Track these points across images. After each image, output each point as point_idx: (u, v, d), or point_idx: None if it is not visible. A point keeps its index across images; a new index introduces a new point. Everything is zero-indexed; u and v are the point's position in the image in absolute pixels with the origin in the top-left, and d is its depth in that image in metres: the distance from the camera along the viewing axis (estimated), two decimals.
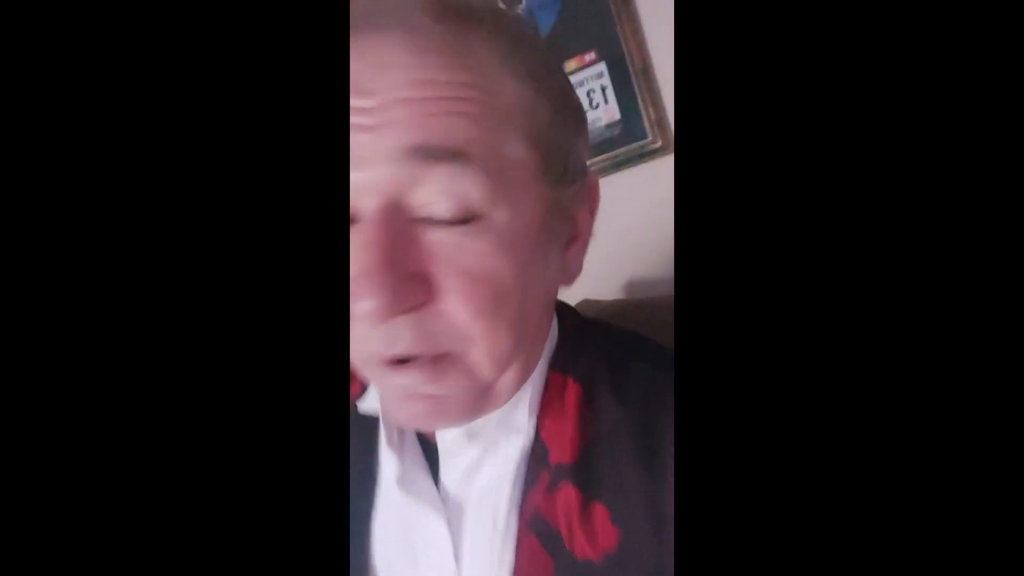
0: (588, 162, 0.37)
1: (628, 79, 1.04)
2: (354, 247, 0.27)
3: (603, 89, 1.06)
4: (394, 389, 0.32)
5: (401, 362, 0.30)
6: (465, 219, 0.28)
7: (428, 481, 0.37)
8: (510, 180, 0.29)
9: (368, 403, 0.41)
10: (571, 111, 0.33)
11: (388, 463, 0.39)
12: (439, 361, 0.30)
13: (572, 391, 0.36)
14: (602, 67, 1.06)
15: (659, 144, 1.02)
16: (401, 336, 0.28)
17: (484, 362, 0.31)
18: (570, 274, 0.36)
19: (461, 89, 0.27)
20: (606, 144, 1.06)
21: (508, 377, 0.34)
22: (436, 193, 0.27)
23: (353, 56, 0.27)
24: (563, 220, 0.34)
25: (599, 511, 0.33)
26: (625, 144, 1.05)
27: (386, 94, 0.26)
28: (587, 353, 0.38)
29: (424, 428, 0.35)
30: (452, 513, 0.36)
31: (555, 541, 0.33)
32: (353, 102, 0.26)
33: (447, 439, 0.37)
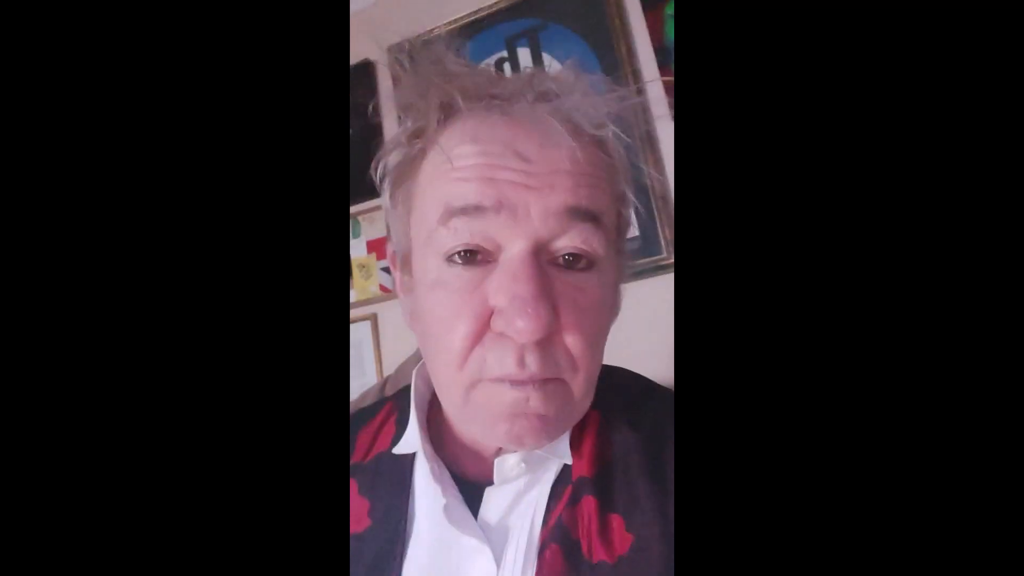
0: None
1: (649, 202, 1.18)
2: (504, 278, 0.33)
3: None
4: (505, 407, 0.34)
5: (515, 382, 0.34)
6: (586, 267, 0.35)
7: (470, 514, 0.39)
8: (608, 238, 0.36)
9: (406, 445, 0.43)
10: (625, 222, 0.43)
11: (425, 499, 0.41)
12: (549, 383, 0.34)
13: (593, 418, 0.41)
14: None
15: (672, 260, 1.19)
16: (532, 358, 0.33)
17: (582, 387, 0.36)
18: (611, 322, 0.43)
19: (599, 171, 0.36)
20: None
21: (582, 406, 0.38)
22: (574, 244, 0.34)
23: (513, 125, 0.35)
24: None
25: (615, 520, 0.37)
26: (643, 257, 1.20)
27: (550, 165, 0.34)
28: (608, 389, 0.42)
29: (523, 445, 0.36)
30: (494, 543, 0.38)
31: (574, 549, 0.36)
32: (513, 163, 0.34)
33: (507, 465, 0.39)
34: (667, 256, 1.19)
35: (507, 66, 1.31)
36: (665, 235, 1.19)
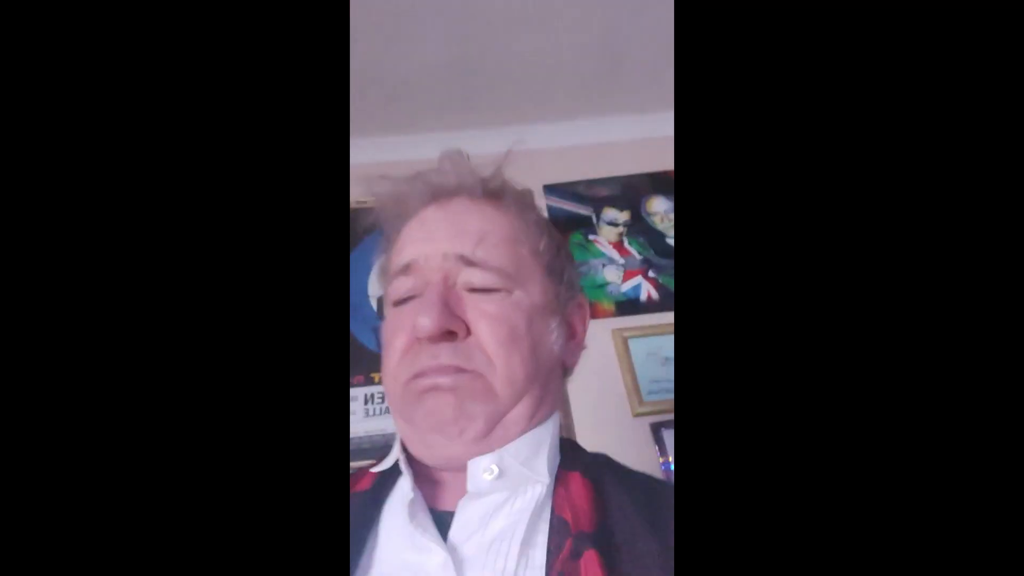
0: None
1: None
2: (420, 301, 0.45)
3: None
4: (423, 391, 0.43)
5: (430, 371, 0.43)
6: (490, 291, 0.45)
7: (432, 524, 0.42)
8: (522, 274, 0.47)
9: (388, 460, 0.48)
10: (563, 251, 0.54)
11: (392, 519, 0.44)
12: (465, 373, 0.43)
13: (579, 479, 0.43)
14: None
15: None
16: (443, 353, 0.43)
17: (503, 384, 0.43)
18: (571, 359, 0.52)
19: (495, 229, 0.47)
20: None
21: (519, 411, 0.44)
22: (474, 279, 0.45)
23: (433, 208, 0.49)
24: (562, 317, 0.50)
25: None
26: None
27: (453, 232, 0.47)
28: (591, 462, 0.47)
29: (445, 427, 0.42)
30: (458, 560, 0.39)
31: None
32: (422, 226, 0.48)
33: (478, 470, 0.42)
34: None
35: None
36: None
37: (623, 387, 1.28)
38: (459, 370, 0.43)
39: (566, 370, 0.52)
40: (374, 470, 0.49)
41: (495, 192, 0.51)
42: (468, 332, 0.44)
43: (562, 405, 1.22)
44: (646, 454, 1.22)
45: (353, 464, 0.97)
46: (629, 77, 1.48)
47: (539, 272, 0.49)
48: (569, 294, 0.52)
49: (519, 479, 0.43)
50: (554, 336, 0.48)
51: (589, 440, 1.21)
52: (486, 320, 0.44)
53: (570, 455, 0.48)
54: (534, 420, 0.45)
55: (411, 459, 0.46)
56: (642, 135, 1.59)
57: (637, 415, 1.26)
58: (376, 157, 1.49)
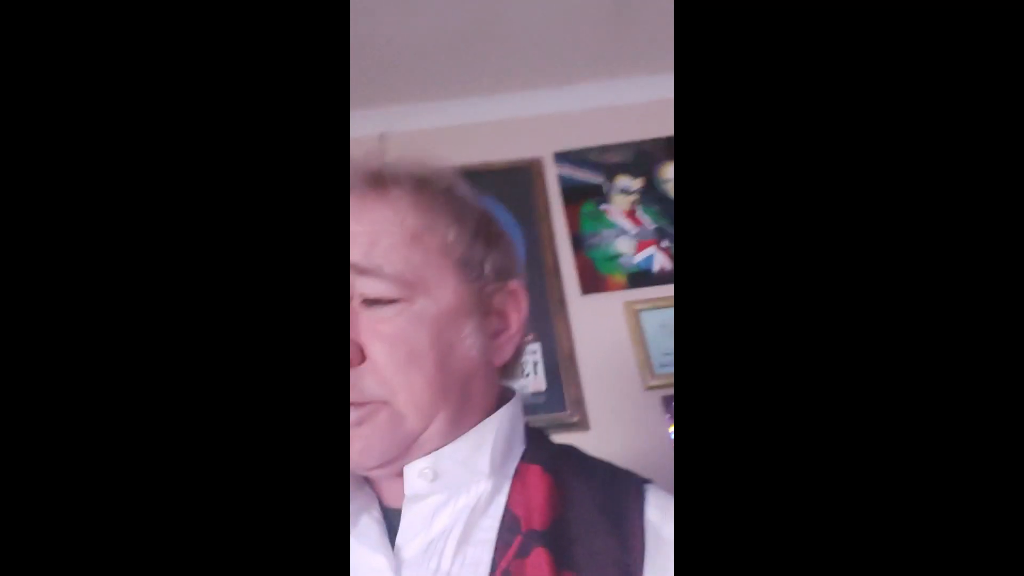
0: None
1: (555, 361, 1.28)
2: None
3: (534, 364, 1.29)
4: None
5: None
6: (388, 303, 0.41)
7: (378, 529, 0.42)
8: (424, 279, 0.42)
9: None
10: (484, 234, 0.47)
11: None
12: (372, 405, 0.40)
13: (538, 473, 0.43)
14: (537, 347, 1.29)
15: (575, 418, 1.25)
16: (352, 383, 0.39)
17: (407, 408, 0.40)
18: (501, 357, 0.47)
19: (389, 228, 0.43)
20: (531, 408, 1.25)
21: (435, 429, 0.41)
22: (368, 289, 0.41)
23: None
24: (487, 311, 0.46)
25: None
26: (547, 412, 1.26)
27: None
28: (556, 453, 0.46)
29: (357, 464, 0.41)
30: (399, 562, 0.40)
31: None
32: None
33: (413, 474, 0.41)
34: (571, 414, 1.25)
35: None
36: (570, 394, 1.26)
37: (634, 361, 1.28)
38: (357, 405, 0.40)
39: (505, 367, 0.49)
40: None
41: (383, 183, 0.45)
42: (362, 357, 0.40)
43: (574, 381, 1.24)
44: (657, 427, 1.23)
45: None
46: (640, 36, 1.41)
47: (449, 269, 0.44)
48: (496, 284, 0.47)
49: (458, 479, 0.42)
50: (469, 341, 0.44)
51: (600, 414, 1.23)
52: (381, 343, 0.40)
53: (535, 447, 0.47)
54: (459, 429, 0.43)
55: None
56: (656, 97, 1.53)
57: (649, 388, 1.26)
58: (379, 128, 1.47)
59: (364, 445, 0.40)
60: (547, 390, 1.27)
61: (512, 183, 1.48)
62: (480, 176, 1.50)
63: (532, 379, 1.27)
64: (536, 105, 1.55)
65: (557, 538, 0.39)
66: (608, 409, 1.26)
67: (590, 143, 1.52)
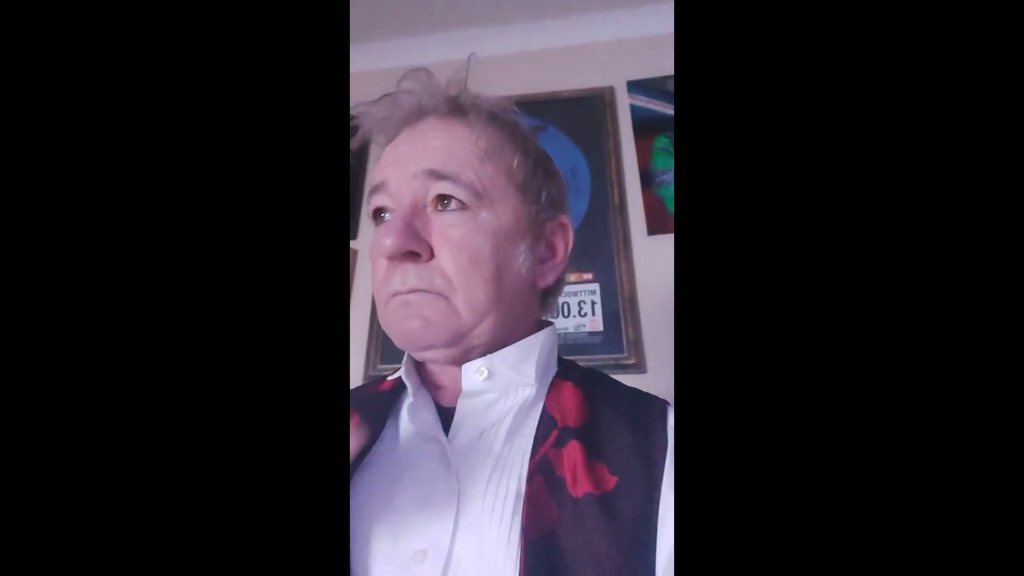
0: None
1: (615, 301, 1.24)
2: (386, 222, 0.47)
3: (592, 304, 1.25)
4: (397, 311, 0.46)
5: (400, 293, 0.46)
6: (457, 208, 0.46)
7: (433, 410, 0.49)
8: (490, 194, 0.48)
9: (400, 371, 0.53)
10: (543, 168, 0.53)
11: (401, 419, 0.50)
12: (428, 295, 0.45)
13: (570, 388, 0.49)
14: (596, 287, 1.25)
15: (632, 361, 1.23)
16: (410, 276, 0.45)
17: (463, 306, 0.46)
18: (544, 281, 0.53)
19: (463, 145, 0.48)
20: (587, 348, 1.24)
21: (484, 328, 0.47)
22: (443, 189, 0.46)
23: (405, 132, 0.50)
24: (538, 236, 0.51)
25: (600, 466, 0.43)
26: (603, 353, 1.24)
27: (420, 147, 0.48)
28: (586, 374, 0.53)
29: (414, 343, 0.47)
30: (453, 449, 0.45)
31: (559, 485, 0.42)
32: (399, 152, 0.49)
33: (471, 371, 0.48)
34: (627, 356, 1.23)
35: None
36: (628, 335, 1.23)
37: None
38: (423, 291, 0.45)
39: (546, 290, 0.54)
40: (390, 378, 0.55)
41: (462, 108, 0.51)
42: (432, 254, 0.46)
43: (633, 323, 1.21)
44: None
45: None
46: None
47: (510, 191, 0.49)
48: (548, 213, 0.52)
49: (508, 381, 0.48)
50: (522, 258, 0.49)
51: (657, 357, 1.20)
52: (449, 245, 0.46)
53: (567, 369, 0.53)
54: (504, 335, 0.49)
55: (419, 365, 0.53)
56: None
57: None
58: (382, 63, 1.41)
59: (421, 324, 0.45)
60: (604, 331, 1.24)
61: (581, 113, 1.41)
62: (547, 104, 1.43)
63: (589, 319, 1.24)
64: (610, 29, 1.44)
65: (589, 434, 0.45)
66: (666, 353, 1.22)
67: (667, 71, 1.42)
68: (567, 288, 1.27)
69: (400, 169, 0.48)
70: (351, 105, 0.47)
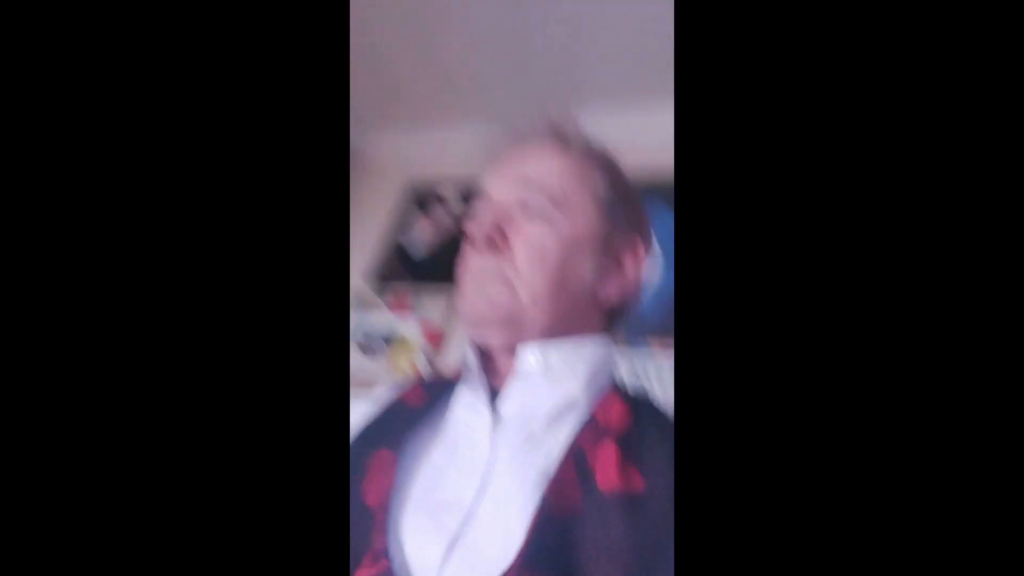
0: None
1: None
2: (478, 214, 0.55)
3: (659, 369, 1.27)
4: (471, 291, 0.54)
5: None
6: (541, 223, 0.53)
7: (484, 388, 0.52)
8: (570, 204, 0.54)
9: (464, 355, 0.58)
10: (628, 199, 0.59)
11: (458, 395, 0.55)
12: (500, 281, 0.52)
13: (618, 400, 0.51)
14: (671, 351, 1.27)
15: None
16: (487, 264, 0.52)
17: (524, 292, 0.51)
18: (606, 293, 0.56)
19: (556, 164, 0.56)
20: None
21: (538, 316, 0.52)
22: (528, 194, 0.54)
23: (512, 150, 0.58)
24: (609, 252, 0.56)
25: (632, 469, 0.44)
26: None
27: (520, 157, 0.57)
28: (636, 394, 0.54)
29: (475, 320, 0.53)
30: (496, 421, 0.50)
31: (588, 476, 0.44)
32: (499, 161, 0.58)
33: (525, 353, 0.52)
34: None
35: None
36: None
37: None
38: (494, 273, 0.52)
39: (612, 309, 0.58)
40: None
41: (564, 138, 0.59)
42: (508, 247, 0.53)
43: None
44: None
45: None
46: None
47: (591, 208, 0.56)
48: (626, 236, 0.58)
49: (559, 373, 0.52)
50: (587, 266, 0.54)
51: None
52: (524, 242, 0.53)
53: (619, 387, 0.55)
54: (559, 330, 0.53)
55: (483, 356, 0.57)
56: None
57: None
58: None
59: (484, 304, 0.52)
60: None
61: None
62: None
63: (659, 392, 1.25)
64: None
65: (627, 440, 0.47)
66: None
67: None
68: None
69: (499, 177, 0.57)
70: None
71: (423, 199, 1.86)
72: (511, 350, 0.53)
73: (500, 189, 0.56)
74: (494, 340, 0.54)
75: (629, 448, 0.46)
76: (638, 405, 0.52)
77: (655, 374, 1.26)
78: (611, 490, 0.43)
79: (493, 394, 0.53)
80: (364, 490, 0.47)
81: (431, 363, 1.50)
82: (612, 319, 0.60)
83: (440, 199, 1.82)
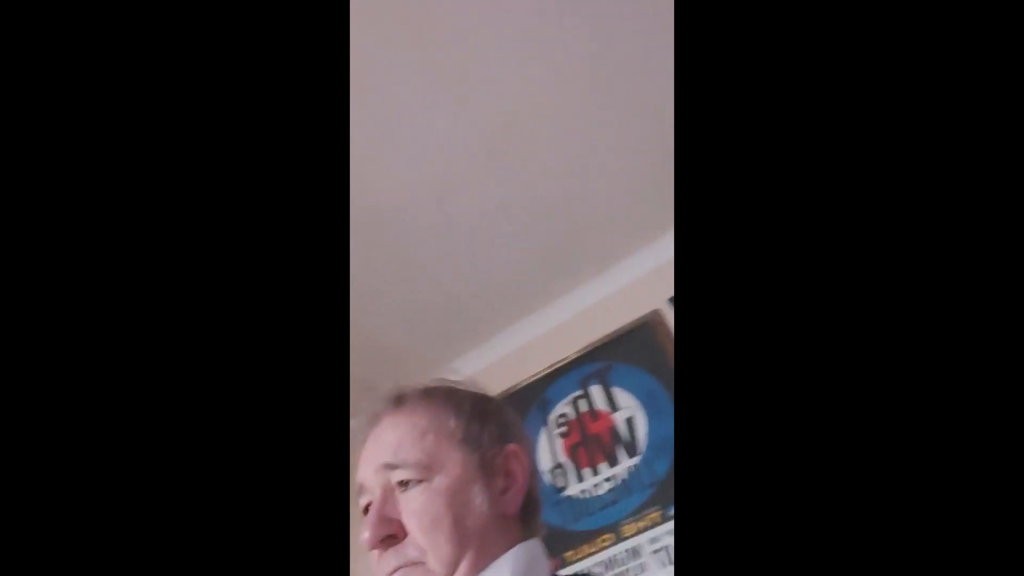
0: None
1: None
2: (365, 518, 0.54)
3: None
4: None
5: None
6: (414, 486, 0.54)
7: None
8: (437, 460, 0.55)
9: None
10: (479, 414, 0.60)
11: None
12: (410, 567, 0.52)
13: None
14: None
15: None
16: (390, 559, 0.53)
17: (436, 564, 0.51)
18: (511, 508, 0.57)
19: (405, 431, 0.57)
20: None
21: (456, 568, 0.51)
22: (398, 476, 0.55)
23: (366, 444, 0.59)
24: (492, 473, 0.57)
25: None
26: None
27: (377, 445, 0.58)
28: None
29: None
30: None
31: None
32: (364, 450, 0.59)
33: None
34: None
35: (581, 403, 1.46)
36: None
37: None
38: (403, 568, 0.52)
39: (523, 513, 0.58)
40: None
41: (402, 399, 0.61)
42: (405, 532, 0.53)
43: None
44: None
45: None
46: None
47: (453, 449, 0.57)
48: (495, 449, 0.59)
49: None
50: (479, 500, 0.55)
51: None
52: (413, 517, 0.53)
53: None
54: (482, 565, 0.52)
55: None
56: None
57: None
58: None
59: None
60: None
61: (638, 342, 1.46)
62: (606, 347, 1.50)
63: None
64: (642, 266, 1.58)
65: None
66: None
67: None
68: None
69: (367, 467, 0.58)
70: None
71: None
72: None
73: (372, 479, 0.57)
74: None
75: None
76: None
77: None
78: None
79: None
80: None
81: None
82: (526, 521, 0.59)
83: None
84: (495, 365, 1.72)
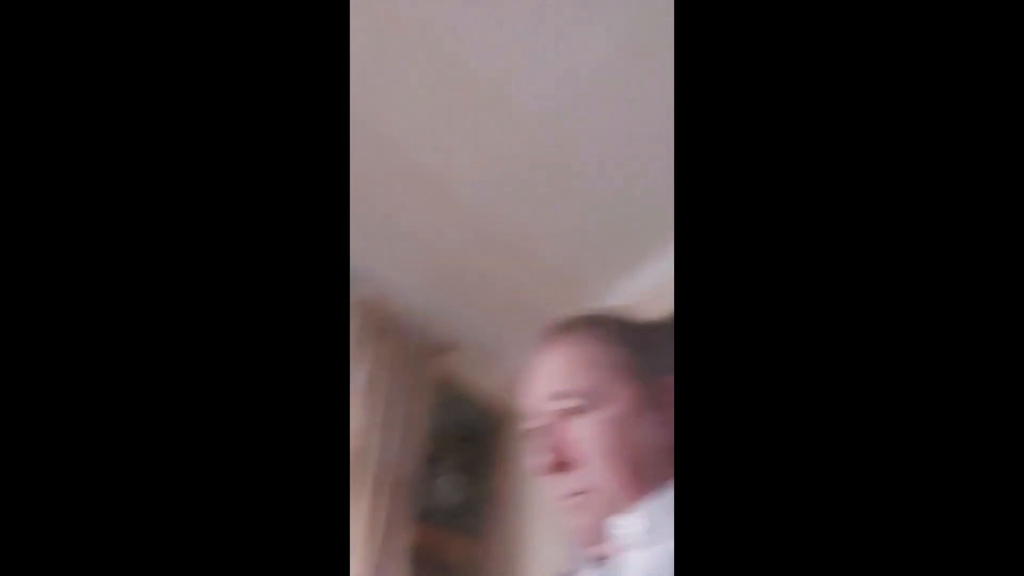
0: None
1: None
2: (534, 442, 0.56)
3: None
4: (566, 510, 0.54)
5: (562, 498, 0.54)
6: (581, 416, 0.54)
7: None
8: (602, 390, 0.55)
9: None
10: (646, 349, 0.58)
11: None
12: (586, 496, 0.53)
13: None
14: None
15: None
16: (563, 484, 0.54)
17: (604, 494, 0.52)
18: (670, 440, 0.54)
19: (571, 361, 0.57)
20: None
21: (620, 496, 0.51)
22: (566, 404, 0.55)
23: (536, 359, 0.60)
24: (659, 405, 0.55)
25: None
26: None
27: (540, 369, 0.59)
28: None
29: (579, 542, 0.54)
30: None
31: None
32: (527, 376, 0.60)
33: (626, 528, 0.51)
34: None
35: None
36: None
37: None
38: (579, 493, 0.53)
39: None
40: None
41: (568, 330, 0.61)
42: (573, 460, 0.53)
43: None
44: None
45: None
46: None
47: (621, 380, 0.56)
48: (660, 381, 0.57)
49: (659, 527, 0.50)
50: (645, 431, 0.54)
51: None
52: (581, 446, 0.53)
53: None
54: (644, 492, 0.52)
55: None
56: None
57: None
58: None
59: (592, 530, 0.52)
60: None
61: None
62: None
63: None
64: None
65: None
66: None
67: None
68: None
69: (536, 394, 0.59)
70: None
71: None
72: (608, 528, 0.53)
73: (538, 408, 0.58)
74: (598, 538, 0.53)
75: None
76: None
77: None
78: None
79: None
80: None
81: None
82: None
83: None
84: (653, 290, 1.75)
